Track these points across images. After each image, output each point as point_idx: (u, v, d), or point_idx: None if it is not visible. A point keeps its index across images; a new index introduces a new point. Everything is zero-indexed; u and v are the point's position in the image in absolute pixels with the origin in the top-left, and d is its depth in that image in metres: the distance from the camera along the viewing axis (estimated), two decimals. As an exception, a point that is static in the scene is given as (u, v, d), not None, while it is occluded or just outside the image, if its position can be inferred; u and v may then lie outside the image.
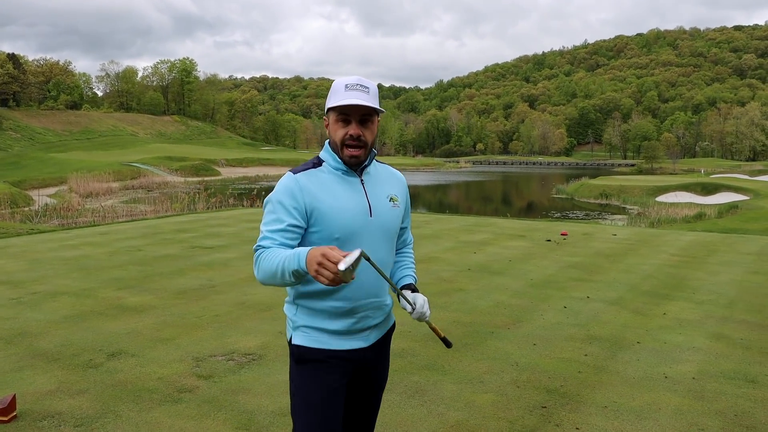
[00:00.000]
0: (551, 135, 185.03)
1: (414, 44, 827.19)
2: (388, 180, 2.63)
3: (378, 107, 2.40)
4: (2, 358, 5.66)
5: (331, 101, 2.41)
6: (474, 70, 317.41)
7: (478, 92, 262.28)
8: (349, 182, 2.47)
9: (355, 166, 2.46)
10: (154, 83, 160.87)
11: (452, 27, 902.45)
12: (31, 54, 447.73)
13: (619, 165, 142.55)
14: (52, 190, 49.97)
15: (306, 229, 2.41)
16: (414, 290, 2.63)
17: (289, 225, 2.34)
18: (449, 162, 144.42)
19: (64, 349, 5.86)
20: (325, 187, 2.41)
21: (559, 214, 32.88)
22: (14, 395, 4.48)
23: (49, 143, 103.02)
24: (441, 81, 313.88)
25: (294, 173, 2.45)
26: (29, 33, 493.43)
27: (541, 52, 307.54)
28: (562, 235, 13.41)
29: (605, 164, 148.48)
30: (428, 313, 2.50)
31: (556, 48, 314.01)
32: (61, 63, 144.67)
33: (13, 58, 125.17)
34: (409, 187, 2.79)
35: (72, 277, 9.27)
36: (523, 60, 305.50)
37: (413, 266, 2.74)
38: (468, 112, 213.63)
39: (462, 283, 8.56)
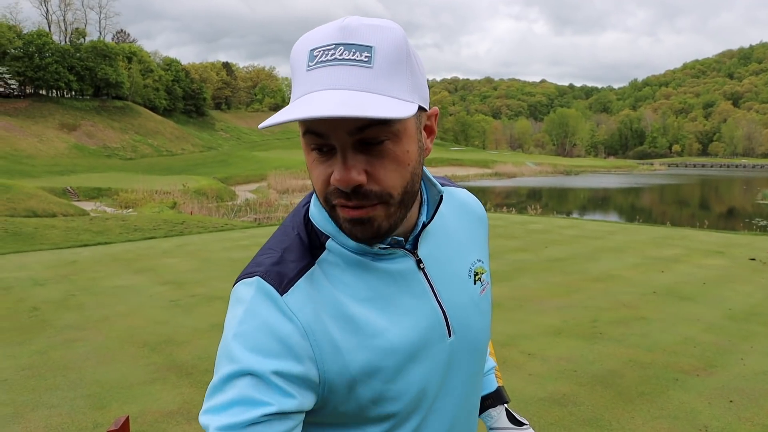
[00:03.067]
0: (758, 135, 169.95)
1: (605, 42, 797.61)
2: (462, 228, 1.22)
3: (385, 113, 0.84)
4: (142, 366, 5.57)
5: (293, 94, 0.95)
6: (671, 68, 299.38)
7: (675, 91, 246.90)
8: (394, 275, 1.04)
9: (377, 241, 1.00)
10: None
11: (646, 23, 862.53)
12: (241, 62, 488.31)
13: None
14: (253, 186, 53.03)
15: (322, 407, 1.00)
16: (515, 419, 1.46)
17: (276, 412, 0.90)
18: (642, 164, 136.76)
19: (200, 362, 5.62)
20: (351, 311, 1.00)
21: (765, 223, 29.47)
22: (128, 418, 4.18)
23: (253, 143, 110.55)
24: (635, 80, 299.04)
25: (278, 286, 0.96)
26: (240, 43, 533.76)
27: (747, 46, 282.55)
28: (770, 252, 11.62)
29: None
30: None
31: (766, 40, 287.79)
32: (266, 69, 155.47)
33: (226, 66, 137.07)
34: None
35: (233, 280, 9.19)
36: (727, 55, 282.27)
37: (492, 359, 1.56)
38: (664, 112, 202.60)
39: (644, 309, 7.41)
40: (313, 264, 1.01)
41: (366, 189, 0.92)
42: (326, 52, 0.89)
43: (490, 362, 1.53)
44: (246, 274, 1.01)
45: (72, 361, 5.72)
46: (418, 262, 1.07)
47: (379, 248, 1.02)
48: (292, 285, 0.97)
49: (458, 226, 1.21)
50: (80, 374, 5.36)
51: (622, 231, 15.25)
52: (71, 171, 59.25)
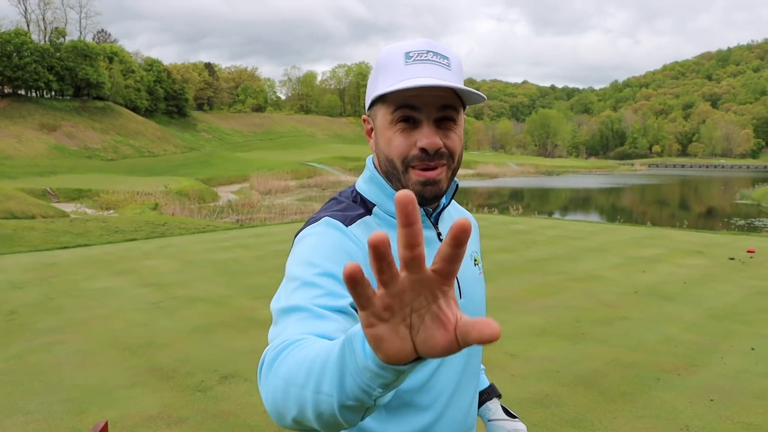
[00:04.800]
0: (736, 136, 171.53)
1: (586, 43, 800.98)
2: None
3: (472, 90, 1.24)
4: (122, 370, 5.51)
5: (380, 84, 1.27)
6: (651, 69, 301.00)
7: (655, 92, 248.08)
8: (424, 239, 1.15)
9: (431, 203, 1.34)
10: (332, 86, 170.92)
11: (626, 24, 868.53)
12: (223, 62, 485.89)
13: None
14: (235, 187, 52.73)
15: None
16: (508, 412, 1.72)
17: (352, 303, 1.11)
18: (623, 164, 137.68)
19: (181, 365, 5.57)
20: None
21: (743, 222, 29.75)
22: (106, 423, 4.12)
23: (235, 143, 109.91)
24: (616, 81, 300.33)
25: (343, 222, 1.29)
26: (222, 43, 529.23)
27: (725, 48, 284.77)
28: (748, 252, 11.72)
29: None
30: None
31: (743, 42, 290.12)
32: (248, 69, 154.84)
33: (209, 66, 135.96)
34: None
35: (215, 281, 9.17)
36: (705, 57, 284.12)
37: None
38: (644, 113, 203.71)
39: (626, 309, 7.44)
40: (365, 216, 1.34)
41: (442, 151, 1.27)
42: (420, 54, 1.26)
43: (481, 365, 1.72)
44: (312, 221, 1.31)
45: (50, 365, 5.64)
46: (438, 234, 1.41)
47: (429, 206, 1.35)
48: (354, 222, 1.30)
49: None
50: (59, 378, 5.29)
51: (604, 231, 15.33)
52: (51, 172, 58.57)
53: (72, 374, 5.40)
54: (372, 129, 1.37)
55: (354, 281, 0.65)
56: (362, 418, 0.87)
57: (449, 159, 1.29)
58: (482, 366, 1.75)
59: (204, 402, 4.74)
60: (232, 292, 8.42)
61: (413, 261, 0.67)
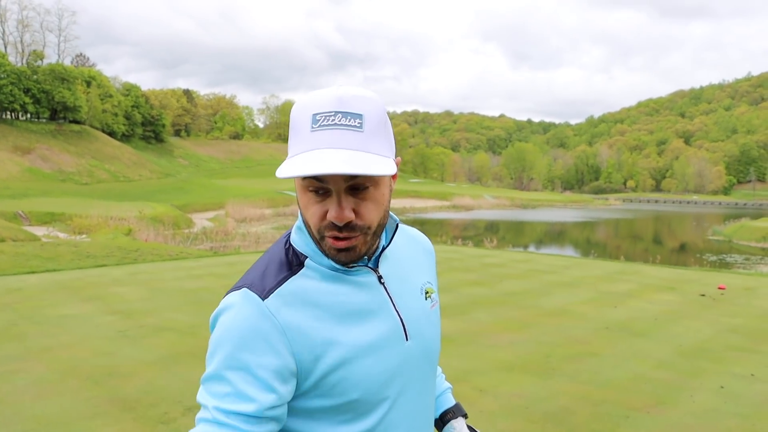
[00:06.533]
0: (708, 173, 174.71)
1: (562, 79, 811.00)
2: (413, 256, 1.51)
3: (380, 171, 1.14)
4: (83, 401, 5.36)
5: (291, 146, 1.21)
6: (626, 105, 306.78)
7: (630, 128, 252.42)
8: (360, 286, 1.31)
9: (350, 264, 1.28)
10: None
11: (601, 61, 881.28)
12: (201, 89, 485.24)
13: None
14: (211, 214, 52.41)
15: (301, 395, 1.26)
16: (472, 430, 1.71)
17: (262, 408, 1.16)
18: (598, 199, 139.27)
19: (144, 396, 5.44)
20: (324, 313, 1.25)
21: (714, 258, 30.12)
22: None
23: (212, 170, 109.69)
24: (591, 116, 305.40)
25: (260, 294, 1.22)
26: (200, 70, 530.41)
27: (698, 86, 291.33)
28: (719, 289, 11.81)
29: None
30: None
31: (715, 81, 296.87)
32: (227, 97, 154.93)
33: (187, 93, 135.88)
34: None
35: (184, 310, 9.03)
36: (679, 95, 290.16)
37: (442, 373, 1.76)
38: (619, 148, 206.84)
39: (597, 345, 7.43)
40: (291, 277, 1.27)
41: (354, 223, 1.21)
42: (327, 118, 1.16)
43: (446, 384, 1.74)
44: (234, 288, 1.28)
45: (8, 394, 5.48)
46: (379, 277, 1.35)
47: (350, 266, 1.28)
48: (272, 292, 1.23)
49: (409, 254, 1.50)
50: (16, 409, 5.13)
51: (577, 265, 15.38)
52: (23, 195, 57.86)
53: (31, 404, 5.24)
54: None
55: None
56: None
57: (363, 230, 1.22)
58: (449, 385, 1.75)
59: (165, 435, 4.62)
60: (200, 322, 8.28)
61: None
